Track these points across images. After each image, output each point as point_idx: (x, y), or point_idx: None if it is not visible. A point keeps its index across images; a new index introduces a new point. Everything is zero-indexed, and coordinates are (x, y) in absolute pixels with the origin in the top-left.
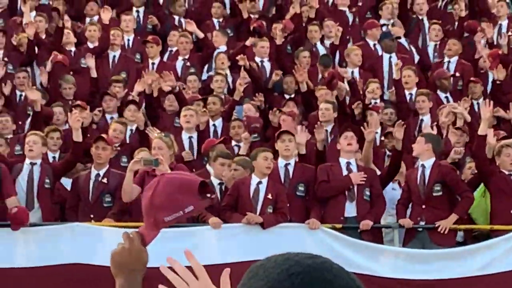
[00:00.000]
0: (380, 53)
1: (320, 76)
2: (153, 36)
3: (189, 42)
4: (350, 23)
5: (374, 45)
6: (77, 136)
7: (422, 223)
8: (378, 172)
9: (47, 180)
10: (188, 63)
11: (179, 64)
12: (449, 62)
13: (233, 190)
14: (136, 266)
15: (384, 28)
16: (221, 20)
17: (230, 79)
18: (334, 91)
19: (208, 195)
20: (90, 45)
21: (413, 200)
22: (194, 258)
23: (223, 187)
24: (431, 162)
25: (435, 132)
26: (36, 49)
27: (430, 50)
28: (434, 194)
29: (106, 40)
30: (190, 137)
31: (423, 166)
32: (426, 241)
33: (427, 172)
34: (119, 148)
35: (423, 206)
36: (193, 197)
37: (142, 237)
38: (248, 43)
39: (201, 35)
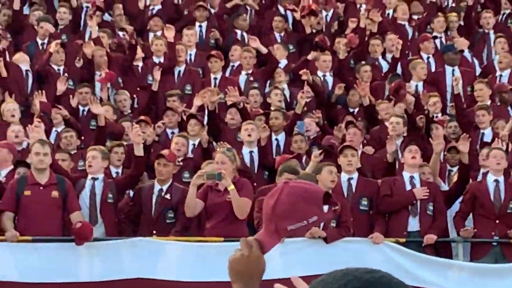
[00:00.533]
0: (433, 66)
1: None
2: (217, 51)
3: (252, 57)
4: (409, 37)
5: (428, 58)
6: (139, 151)
7: (496, 238)
8: (444, 187)
9: (110, 195)
10: (251, 78)
11: (242, 78)
12: (501, 75)
13: None
14: (255, 273)
15: (437, 41)
16: (282, 34)
17: (287, 93)
18: (398, 105)
19: (332, 206)
20: (156, 60)
21: (483, 215)
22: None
23: None
24: (503, 177)
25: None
26: (107, 64)
27: (496, 63)
28: (509, 211)
29: (172, 58)
30: (251, 152)
31: (496, 181)
32: (499, 256)
33: (502, 188)
34: (181, 164)
35: (497, 221)
36: (318, 207)
37: (261, 244)
38: (310, 57)
39: (264, 50)
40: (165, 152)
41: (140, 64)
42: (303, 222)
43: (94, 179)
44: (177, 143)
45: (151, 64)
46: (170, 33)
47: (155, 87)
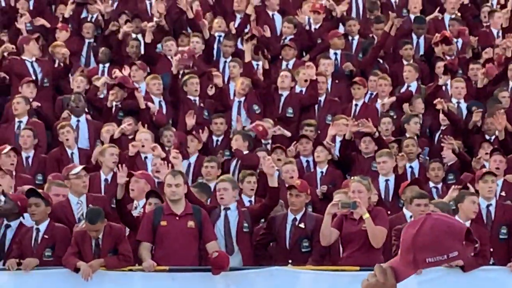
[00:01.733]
0: None
1: None
2: (361, 77)
3: (387, 85)
4: None
5: None
6: (273, 182)
7: None
8: None
9: (246, 224)
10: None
11: (379, 106)
12: None
13: None
14: None
15: None
16: (411, 61)
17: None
18: None
19: (473, 244)
20: (297, 89)
21: None
22: None
23: None
24: None
25: None
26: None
27: None
28: None
29: (315, 93)
30: (386, 180)
31: None
32: None
33: None
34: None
35: None
36: (460, 243)
37: (396, 273)
38: (441, 82)
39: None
40: (296, 182)
41: (285, 94)
42: (443, 256)
43: (226, 209)
44: (287, 171)
45: (294, 96)
46: (311, 71)
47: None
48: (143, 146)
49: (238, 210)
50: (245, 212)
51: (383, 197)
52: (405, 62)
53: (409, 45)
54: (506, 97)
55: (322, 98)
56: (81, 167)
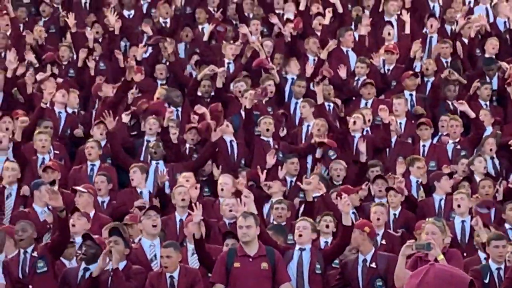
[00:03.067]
0: None
1: None
2: (426, 118)
3: (459, 126)
4: None
5: None
6: (346, 220)
7: None
8: None
9: (318, 266)
10: (458, 146)
11: (449, 147)
12: None
13: None
14: None
15: None
16: (488, 103)
17: (497, 162)
18: None
19: None
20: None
21: None
22: None
23: (501, 272)
24: None
25: None
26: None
27: None
28: None
29: (388, 136)
30: (463, 221)
31: None
32: None
33: None
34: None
35: None
36: None
37: None
38: None
39: (472, 115)
40: (366, 229)
41: (358, 135)
42: None
43: (301, 249)
44: (375, 213)
45: (368, 138)
46: (385, 113)
47: (362, 159)
48: (222, 189)
49: (312, 251)
50: (318, 253)
51: (459, 238)
52: (482, 103)
53: (488, 85)
54: None
55: (393, 139)
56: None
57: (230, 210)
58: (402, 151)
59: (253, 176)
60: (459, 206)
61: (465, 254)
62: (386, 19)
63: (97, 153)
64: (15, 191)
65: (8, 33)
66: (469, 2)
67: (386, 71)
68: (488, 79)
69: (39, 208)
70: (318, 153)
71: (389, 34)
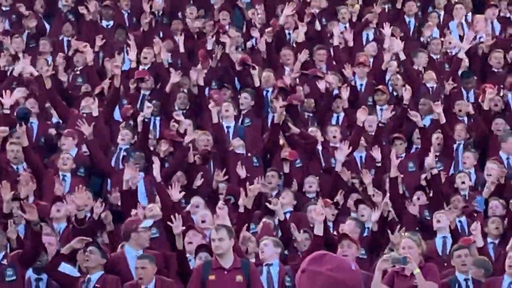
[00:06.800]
0: None
1: None
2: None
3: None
4: None
5: None
6: (318, 230)
7: None
8: None
9: (288, 278)
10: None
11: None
12: None
13: None
14: None
15: None
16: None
17: None
18: None
19: None
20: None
21: None
22: None
23: (469, 282)
24: None
25: None
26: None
27: None
28: None
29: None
30: (444, 237)
31: None
32: None
33: None
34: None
35: None
36: None
37: None
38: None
39: (443, 119)
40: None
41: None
42: None
43: (268, 265)
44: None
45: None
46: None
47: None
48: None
49: (280, 266)
50: (287, 267)
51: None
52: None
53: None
54: None
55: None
56: (151, 221)
57: (203, 221)
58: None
59: (231, 190)
60: (438, 221)
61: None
62: (365, 32)
63: (72, 165)
64: None
65: None
66: (442, 17)
67: (360, 86)
68: (465, 92)
69: None
70: (286, 168)
71: (373, 50)
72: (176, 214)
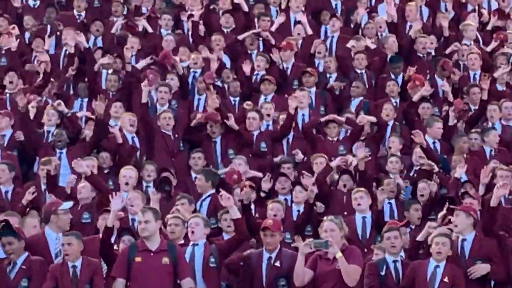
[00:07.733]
0: None
1: None
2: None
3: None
4: None
5: None
6: (235, 214)
7: None
8: None
9: (212, 259)
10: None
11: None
12: None
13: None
14: None
15: None
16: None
17: None
18: None
19: None
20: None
21: None
22: None
23: (397, 264)
24: None
25: None
26: None
27: None
28: None
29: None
30: (363, 217)
31: None
32: None
33: None
34: (284, 234)
35: None
36: None
37: None
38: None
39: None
40: (269, 223)
41: (256, 133)
42: None
43: (194, 245)
44: (272, 209)
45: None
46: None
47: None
48: (126, 183)
49: (205, 246)
50: (212, 248)
51: (360, 234)
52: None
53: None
54: None
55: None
56: (71, 203)
57: (131, 205)
58: (301, 145)
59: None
60: (359, 204)
61: (366, 251)
62: (293, 16)
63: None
64: None
65: None
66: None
67: (286, 69)
68: (393, 76)
69: None
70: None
71: (298, 34)
72: (113, 193)
